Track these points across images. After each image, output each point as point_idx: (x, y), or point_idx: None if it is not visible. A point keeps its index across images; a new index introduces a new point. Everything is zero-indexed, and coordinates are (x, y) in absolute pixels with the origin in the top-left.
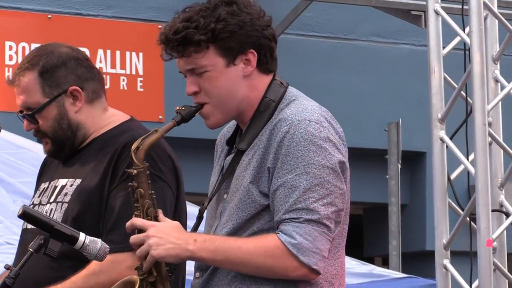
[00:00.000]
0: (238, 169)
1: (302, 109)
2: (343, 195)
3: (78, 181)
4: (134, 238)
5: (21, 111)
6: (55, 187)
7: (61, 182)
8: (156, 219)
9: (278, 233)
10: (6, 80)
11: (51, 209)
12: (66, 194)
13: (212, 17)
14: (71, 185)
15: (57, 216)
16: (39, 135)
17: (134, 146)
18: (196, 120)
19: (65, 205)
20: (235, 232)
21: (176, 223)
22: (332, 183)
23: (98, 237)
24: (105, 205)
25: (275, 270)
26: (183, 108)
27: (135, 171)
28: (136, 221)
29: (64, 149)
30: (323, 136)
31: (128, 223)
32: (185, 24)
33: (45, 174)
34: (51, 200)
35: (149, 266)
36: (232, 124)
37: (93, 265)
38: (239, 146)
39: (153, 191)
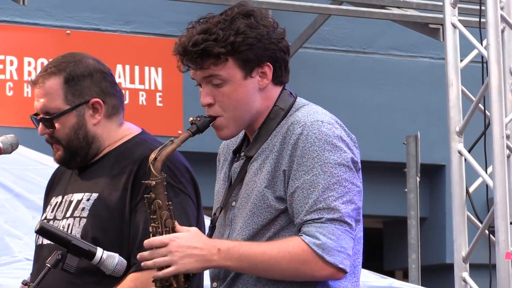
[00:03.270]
0: (247, 176)
1: (314, 112)
2: (360, 193)
3: (95, 195)
4: (155, 254)
5: (35, 114)
6: (70, 201)
7: (77, 196)
8: (173, 230)
9: (302, 235)
10: (29, 81)
11: (68, 224)
12: (83, 209)
13: (231, 29)
14: (88, 200)
15: (76, 231)
16: (52, 141)
17: (151, 157)
18: (211, 133)
19: (84, 220)
20: (252, 238)
21: (194, 230)
22: (350, 181)
23: (120, 252)
24: (128, 220)
25: (301, 272)
26: (198, 118)
27: (153, 182)
28: (153, 241)
29: (76, 159)
30: (336, 135)
31: (145, 243)
32: (204, 36)
33: (54, 188)
34: (68, 215)
35: (168, 276)
36: (239, 135)
37: (129, 282)
38: (248, 153)
39: (170, 202)
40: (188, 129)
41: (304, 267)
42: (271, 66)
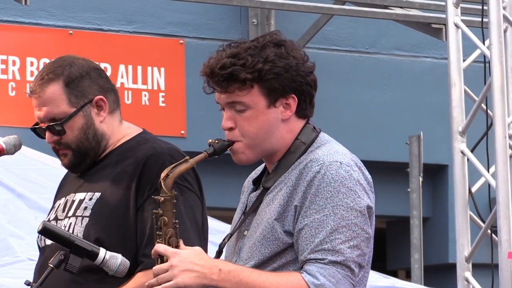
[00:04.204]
0: (261, 206)
1: (334, 152)
2: (369, 240)
3: (98, 194)
4: (157, 269)
5: (36, 123)
6: (73, 201)
7: (79, 196)
8: (177, 248)
9: (302, 273)
10: (26, 92)
11: (70, 223)
12: (85, 208)
13: (260, 56)
14: (90, 199)
15: (78, 230)
16: (59, 147)
17: (163, 174)
18: (215, 134)
19: (86, 219)
20: (257, 268)
21: (198, 249)
22: (359, 226)
23: (123, 252)
24: (134, 219)
25: None
26: (216, 141)
27: (162, 198)
28: (159, 247)
29: (86, 161)
30: (353, 179)
31: (152, 252)
32: (232, 61)
33: (59, 191)
34: (70, 214)
35: None
36: (260, 167)
37: (141, 278)
38: (265, 185)
39: (177, 221)
40: (205, 151)
41: None
42: (296, 98)
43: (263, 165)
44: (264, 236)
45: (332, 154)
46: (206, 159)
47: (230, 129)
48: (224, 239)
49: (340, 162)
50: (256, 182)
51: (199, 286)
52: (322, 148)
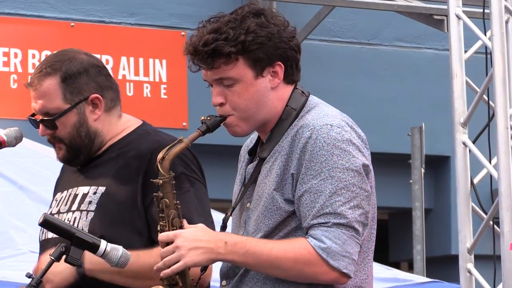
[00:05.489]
0: (259, 177)
1: (323, 115)
2: (369, 197)
3: (102, 188)
4: (164, 252)
5: (32, 115)
6: (75, 195)
7: (82, 190)
8: (181, 228)
9: (308, 238)
10: (24, 84)
11: (75, 218)
12: (90, 202)
13: (242, 28)
14: (95, 193)
15: (82, 225)
16: (54, 141)
17: (159, 157)
18: (220, 127)
19: (91, 213)
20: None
21: (201, 225)
22: (357, 186)
23: (129, 246)
24: (143, 213)
25: (304, 273)
26: (208, 118)
27: (160, 181)
28: (161, 236)
29: (79, 157)
30: (345, 140)
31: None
32: (214, 36)
33: (59, 184)
34: (73, 208)
35: (177, 271)
36: (255, 134)
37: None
38: (261, 155)
39: (178, 201)
40: (198, 129)
41: (308, 269)
42: (282, 65)
43: (257, 134)
44: (266, 208)
45: (322, 118)
46: (200, 136)
47: (221, 104)
48: (226, 213)
49: (331, 125)
50: (252, 153)
51: (208, 262)
52: (312, 112)
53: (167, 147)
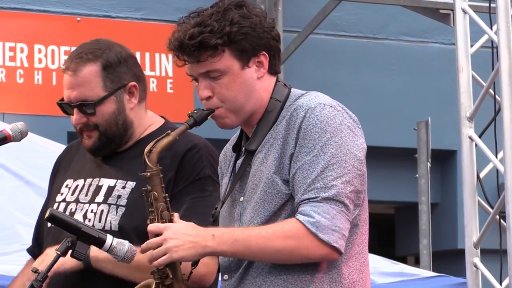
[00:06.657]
0: (253, 168)
1: (315, 96)
2: (362, 177)
3: (132, 183)
4: (151, 243)
5: (67, 103)
6: (99, 186)
7: (107, 182)
8: (171, 221)
9: (297, 215)
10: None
11: (102, 211)
12: (119, 196)
13: (226, 20)
14: (123, 187)
15: (112, 219)
16: (87, 128)
17: (146, 149)
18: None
19: (122, 208)
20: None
21: (191, 223)
22: (350, 163)
23: None
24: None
25: (296, 251)
26: (195, 111)
27: (148, 174)
28: (150, 227)
29: (110, 146)
30: (338, 118)
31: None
32: (199, 29)
33: (68, 171)
34: (98, 200)
35: (163, 264)
36: (234, 136)
37: None
38: (249, 147)
39: (167, 194)
40: (185, 122)
41: (299, 246)
42: (266, 55)
43: (237, 134)
44: (265, 192)
45: (314, 98)
46: (187, 130)
47: (208, 98)
48: (216, 207)
49: (324, 104)
50: (235, 149)
51: (196, 257)
52: (304, 96)
53: (155, 140)
